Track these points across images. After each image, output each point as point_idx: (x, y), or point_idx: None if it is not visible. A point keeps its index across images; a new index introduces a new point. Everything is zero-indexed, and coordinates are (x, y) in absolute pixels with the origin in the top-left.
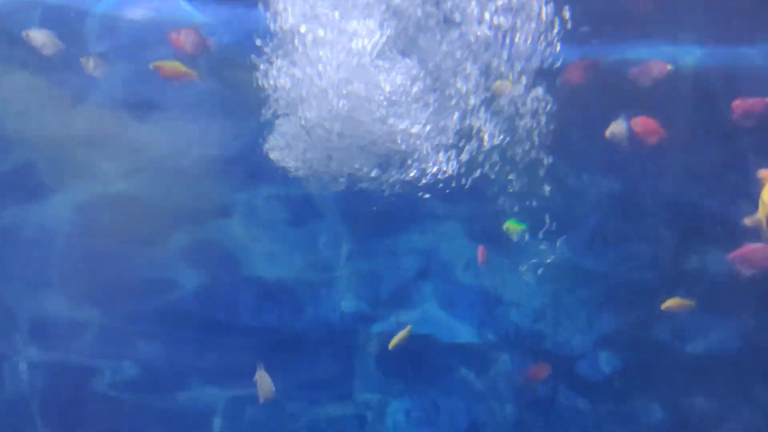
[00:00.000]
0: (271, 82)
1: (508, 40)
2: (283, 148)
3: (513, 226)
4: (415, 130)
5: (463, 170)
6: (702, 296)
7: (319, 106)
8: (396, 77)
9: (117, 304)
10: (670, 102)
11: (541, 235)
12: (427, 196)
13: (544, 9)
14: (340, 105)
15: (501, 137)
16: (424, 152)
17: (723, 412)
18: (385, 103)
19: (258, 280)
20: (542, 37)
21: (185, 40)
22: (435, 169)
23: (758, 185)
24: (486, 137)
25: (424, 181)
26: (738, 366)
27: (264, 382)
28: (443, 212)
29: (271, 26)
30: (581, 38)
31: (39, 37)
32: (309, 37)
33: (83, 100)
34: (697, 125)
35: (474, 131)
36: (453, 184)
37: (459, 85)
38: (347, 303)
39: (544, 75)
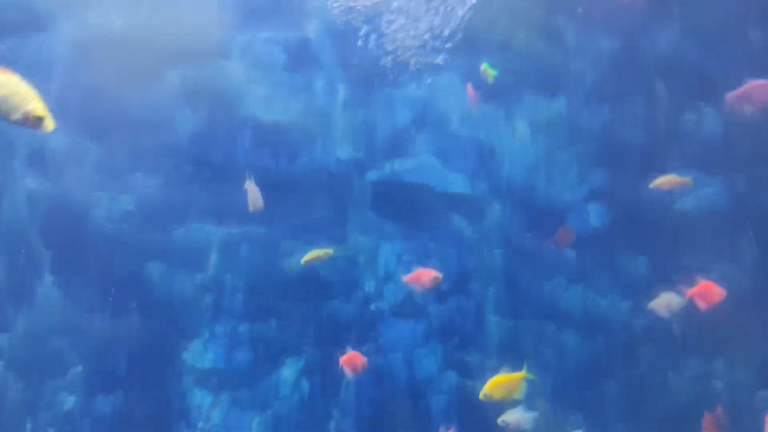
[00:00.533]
0: None
1: None
2: None
3: (488, 70)
4: None
5: (462, 23)
6: (694, 155)
7: None
8: None
9: (115, 141)
10: None
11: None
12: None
13: None
14: None
15: None
16: None
17: (702, 265)
18: None
19: (254, 123)
20: None
21: None
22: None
23: None
24: None
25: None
26: (723, 222)
27: (253, 192)
28: (441, 64)
29: None
30: None
31: None
32: None
33: None
34: None
35: None
36: (452, 36)
37: None
38: (343, 150)
39: None
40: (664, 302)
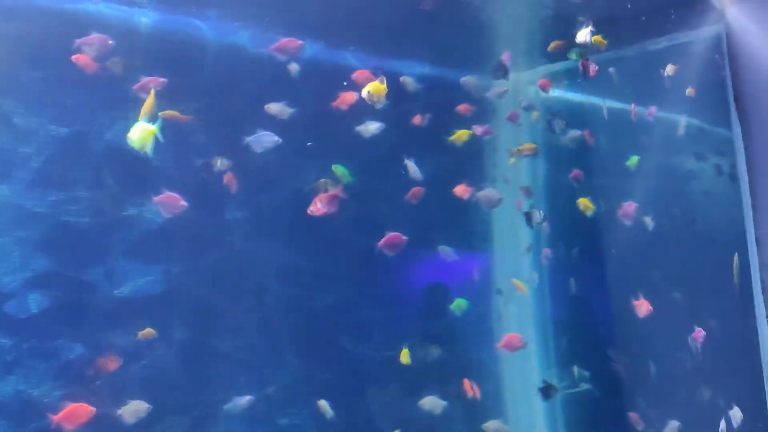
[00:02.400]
0: None
1: None
2: None
3: None
4: None
5: None
6: (135, 243)
7: None
8: None
9: None
10: None
11: None
12: None
13: None
14: None
15: None
16: None
17: (139, 349)
18: None
19: None
20: None
21: None
22: None
23: None
24: None
25: None
26: (161, 305)
27: None
28: None
29: None
30: None
31: None
32: None
33: None
34: None
35: None
36: None
37: None
38: None
39: None
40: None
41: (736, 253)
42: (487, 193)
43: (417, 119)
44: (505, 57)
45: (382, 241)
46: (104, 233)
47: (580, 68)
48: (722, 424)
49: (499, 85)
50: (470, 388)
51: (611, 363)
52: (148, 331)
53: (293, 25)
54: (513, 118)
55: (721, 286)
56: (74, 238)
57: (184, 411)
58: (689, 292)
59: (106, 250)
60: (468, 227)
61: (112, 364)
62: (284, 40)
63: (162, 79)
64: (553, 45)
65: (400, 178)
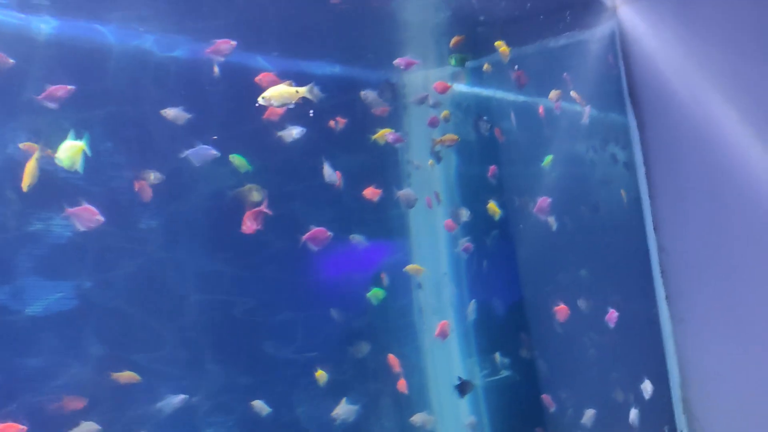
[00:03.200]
0: None
1: None
2: None
3: None
4: None
5: None
6: (42, 260)
7: None
8: None
9: None
10: None
11: None
12: None
13: None
14: None
15: None
16: None
17: (53, 368)
18: None
19: None
20: None
21: None
22: None
23: None
24: None
25: None
26: (71, 323)
27: None
28: None
29: None
30: None
31: None
32: None
33: None
34: None
35: None
36: None
37: None
38: None
39: None
40: None
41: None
42: (406, 192)
43: (332, 123)
44: (402, 62)
45: (307, 234)
46: (8, 250)
47: (514, 79)
48: (632, 413)
49: (416, 96)
50: (397, 366)
51: (524, 348)
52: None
53: (200, 29)
54: (434, 124)
55: (624, 269)
56: None
57: (108, 426)
58: (596, 275)
59: (11, 268)
60: (384, 222)
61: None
62: (218, 42)
63: (69, 87)
64: (454, 41)
65: (317, 179)
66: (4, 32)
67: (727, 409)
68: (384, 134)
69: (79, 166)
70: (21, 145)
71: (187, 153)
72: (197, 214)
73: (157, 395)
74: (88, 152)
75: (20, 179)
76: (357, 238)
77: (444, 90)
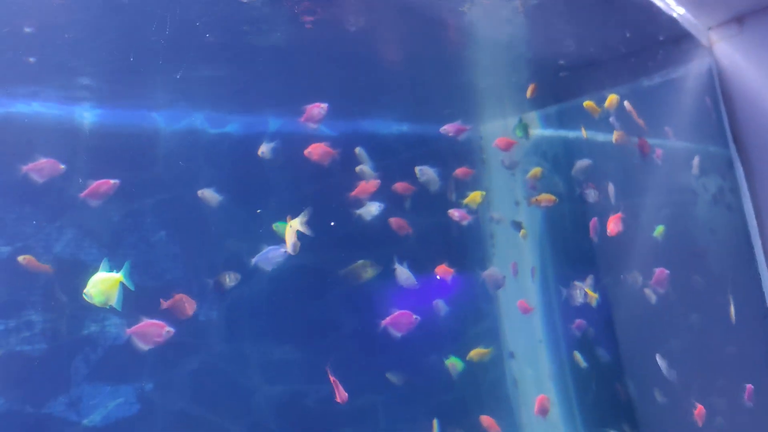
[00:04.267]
0: None
1: None
2: None
3: None
4: None
5: None
6: (99, 363)
7: None
8: None
9: None
10: None
11: None
12: None
13: None
14: None
15: None
16: None
17: None
18: None
19: None
20: None
21: None
22: None
23: None
24: None
25: None
26: (138, 428)
27: None
28: None
29: None
30: None
31: None
32: None
33: None
34: None
35: None
36: None
37: None
38: None
39: None
40: None
41: (731, 296)
42: (491, 272)
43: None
44: (451, 128)
45: (388, 319)
46: (63, 357)
47: (638, 149)
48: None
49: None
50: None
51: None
52: None
53: (245, 102)
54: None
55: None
56: (30, 368)
57: None
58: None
59: (67, 376)
60: (469, 292)
61: None
62: (310, 107)
63: (113, 181)
64: (530, 91)
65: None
66: (47, 124)
67: None
68: (476, 197)
69: (115, 301)
70: (20, 258)
71: (255, 260)
72: (259, 300)
73: None
74: (129, 285)
75: (70, 281)
76: (440, 305)
77: (508, 147)
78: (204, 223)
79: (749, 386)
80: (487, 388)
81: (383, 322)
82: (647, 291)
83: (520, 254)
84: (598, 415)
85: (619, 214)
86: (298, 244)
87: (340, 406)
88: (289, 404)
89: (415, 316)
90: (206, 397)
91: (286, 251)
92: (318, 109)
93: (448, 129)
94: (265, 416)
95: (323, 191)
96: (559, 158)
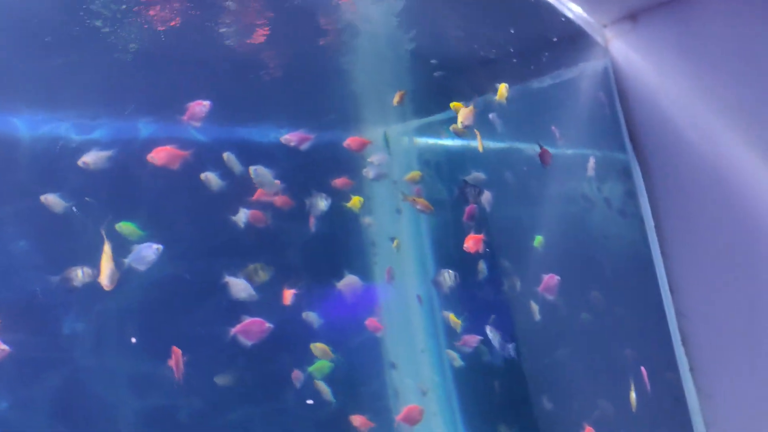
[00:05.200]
0: None
1: None
2: None
3: None
4: None
5: None
6: None
7: None
8: None
9: None
10: None
11: None
12: None
13: None
14: None
15: None
16: None
17: None
18: None
19: None
20: None
21: None
22: None
23: None
24: None
25: None
26: None
27: None
28: None
29: None
30: None
31: None
32: None
33: None
34: None
35: None
36: None
37: None
38: None
39: None
40: None
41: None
42: (348, 281)
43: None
44: (293, 138)
45: (238, 327)
46: None
47: (538, 157)
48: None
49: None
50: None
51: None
52: None
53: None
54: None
55: (643, 337)
56: None
57: None
58: (613, 347)
59: None
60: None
61: None
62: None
63: None
64: (397, 99)
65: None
66: None
67: None
68: (356, 202)
69: None
70: None
71: (129, 260)
72: (129, 311)
73: None
74: None
75: None
76: (311, 317)
77: (360, 147)
78: (68, 231)
79: (647, 377)
80: (367, 399)
81: (233, 330)
82: (532, 304)
83: (400, 262)
84: (481, 421)
85: (481, 235)
86: (117, 275)
87: (214, 420)
88: (160, 419)
89: (267, 324)
90: (70, 414)
91: (158, 248)
92: (200, 107)
93: (289, 138)
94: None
95: (196, 198)
96: (441, 166)
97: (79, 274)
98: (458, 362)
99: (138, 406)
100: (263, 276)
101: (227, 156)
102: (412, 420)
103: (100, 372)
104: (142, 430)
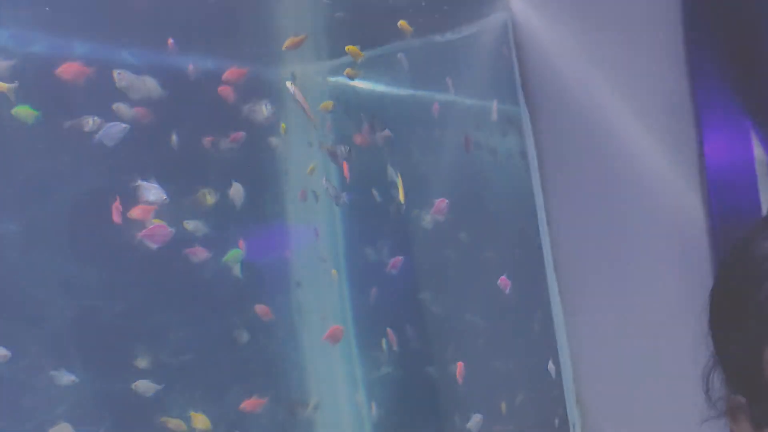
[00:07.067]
0: None
1: None
2: None
3: None
4: None
5: None
6: None
7: None
8: None
9: None
10: None
11: None
12: None
13: None
14: None
15: None
16: None
17: None
18: None
19: None
20: None
21: None
22: None
23: None
24: None
25: None
26: None
27: None
28: None
29: None
30: None
31: None
32: None
33: None
34: None
35: None
36: None
37: None
38: None
39: None
40: None
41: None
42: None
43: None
44: None
45: (144, 231)
46: None
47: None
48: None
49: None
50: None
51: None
52: None
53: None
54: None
55: (519, 262)
56: None
57: None
58: (489, 270)
59: None
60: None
61: None
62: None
63: None
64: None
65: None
66: None
67: (618, 404)
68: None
69: None
70: None
71: (98, 136)
72: (60, 217)
73: (20, 407)
74: None
75: None
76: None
77: (238, 76)
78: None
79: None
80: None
81: (139, 234)
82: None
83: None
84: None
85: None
86: None
87: (132, 324)
88: (84, 318)
89: (170, 229)
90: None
91: (126, 127)
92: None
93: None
94: (59, 328)
95: None
96: (350, 104)
97: None
98: None
99: (62, 304)
100: (210, 199)
101: (117, 74)
102: (335, 338)
103: (30, 271)
104: (66, 325)
